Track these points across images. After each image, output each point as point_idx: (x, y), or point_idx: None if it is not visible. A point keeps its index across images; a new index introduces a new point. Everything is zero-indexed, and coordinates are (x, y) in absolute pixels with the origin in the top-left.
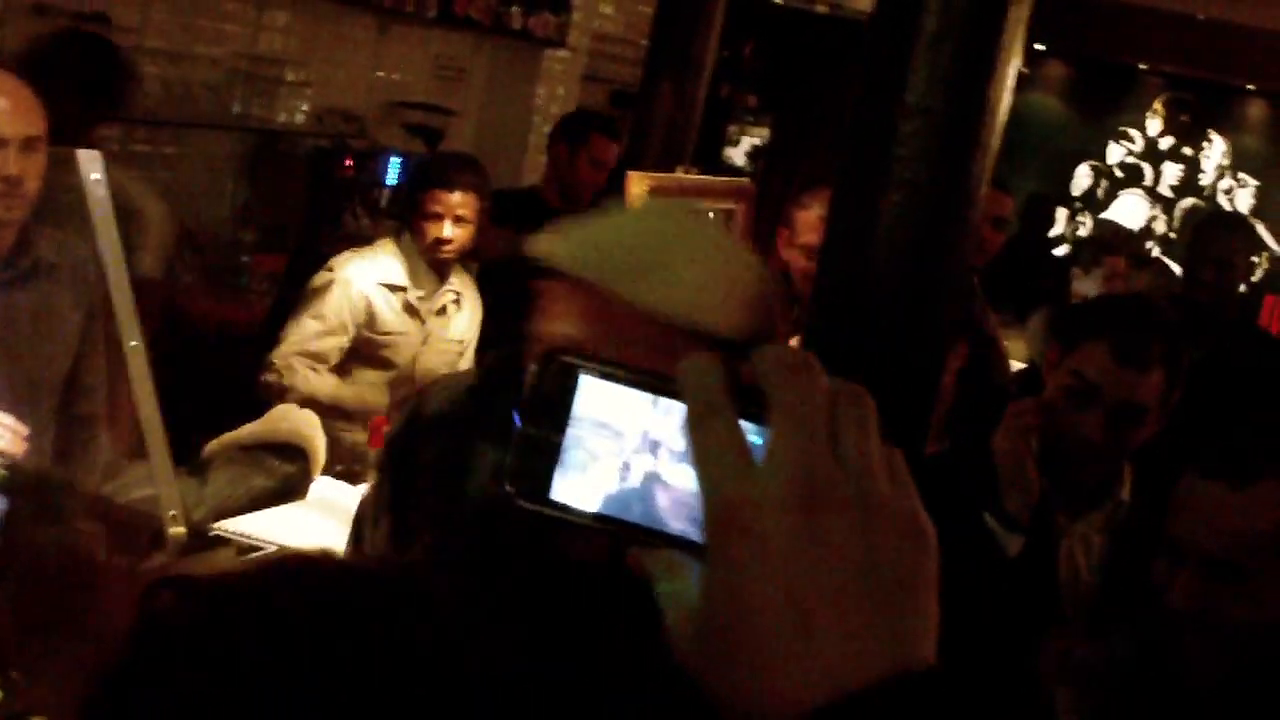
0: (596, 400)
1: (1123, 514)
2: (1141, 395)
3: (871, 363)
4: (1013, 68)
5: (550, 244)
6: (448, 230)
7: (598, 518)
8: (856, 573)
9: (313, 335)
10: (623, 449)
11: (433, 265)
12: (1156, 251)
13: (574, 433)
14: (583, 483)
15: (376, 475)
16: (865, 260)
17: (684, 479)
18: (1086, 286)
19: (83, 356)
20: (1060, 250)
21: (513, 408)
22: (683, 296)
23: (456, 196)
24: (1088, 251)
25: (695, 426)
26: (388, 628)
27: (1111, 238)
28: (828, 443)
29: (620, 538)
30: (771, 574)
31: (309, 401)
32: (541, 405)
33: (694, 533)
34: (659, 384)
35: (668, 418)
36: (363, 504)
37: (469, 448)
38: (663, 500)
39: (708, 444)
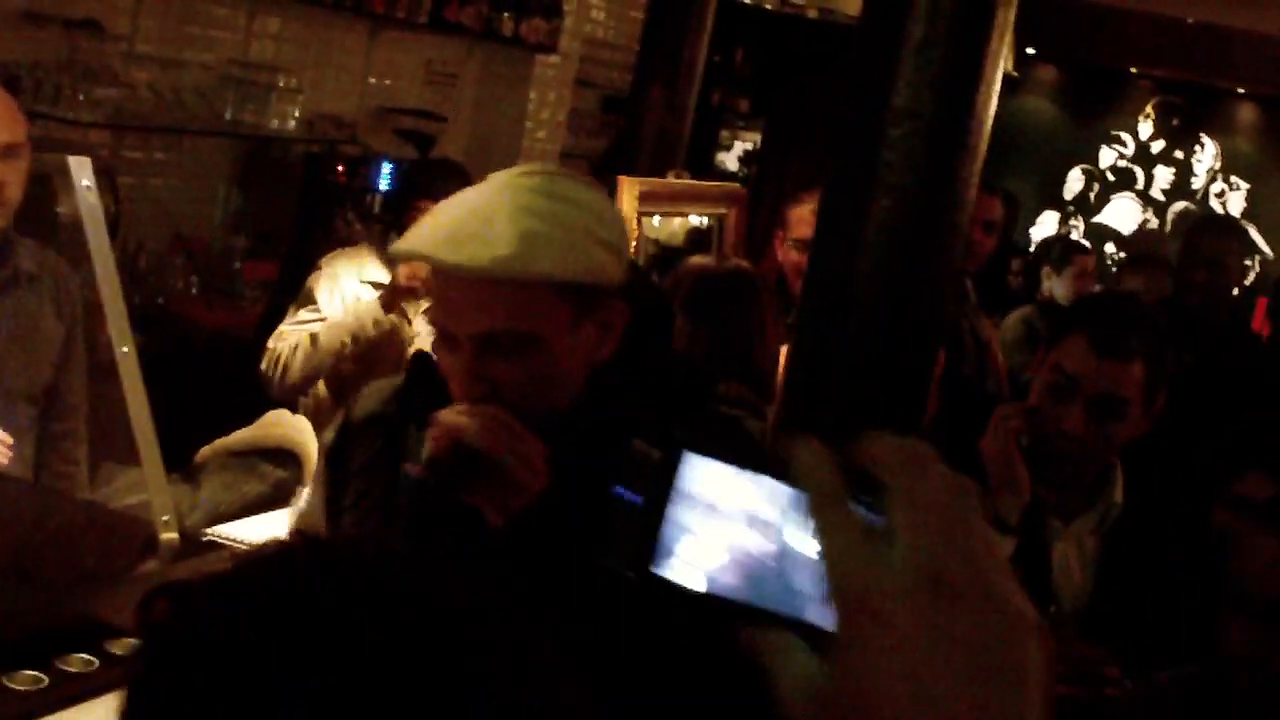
0: (701, 477)
1: (1115, 515)
2: (1123, 388)
3: (860, 366)
4: (999, 72)
5: (403, 241)
6: None
7: (706, 596)
8: (975, 658)
9: (306, 319)
10: (726, 527)
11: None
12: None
13: (677, 509)
14: (687, 559)
15: (312, 485)
16: (854, 263)
17: (791, 560)
18: (1056, 286)
19: (64, 372)
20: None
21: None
22: (500, 252)
23: (432, 205)
24: (1058, 251)
25: (817, 514)
26: (377, 605)
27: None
28: (948, 532)
29: (728, 616)
30: (898, 657)
31: (310, 377)
32: (645, 480)
33: (808, 613)
34: (764, 464)
35: (772, 498)
36: (303, 516)
37: (399, 437)
38: (771, 580)
39: (832, 532)
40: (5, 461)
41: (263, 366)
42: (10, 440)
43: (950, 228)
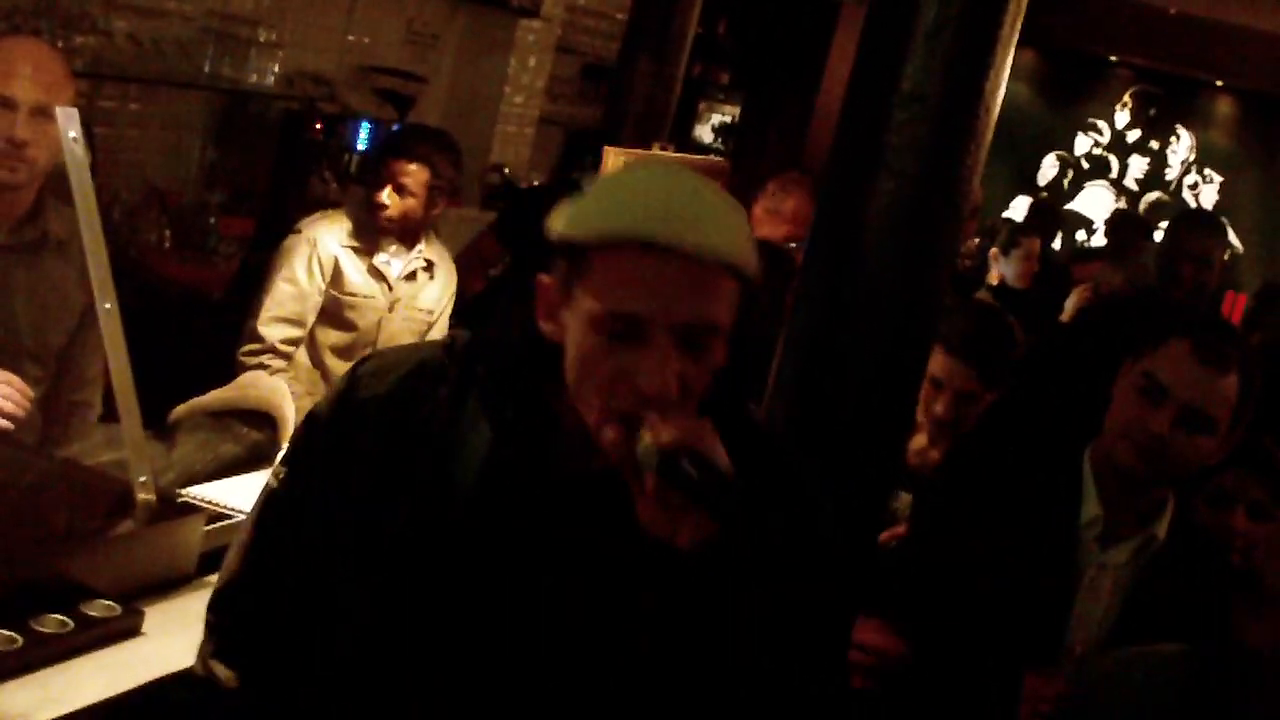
0: None
1: (1155, 549)
2: (1215, 403)
3: (858, 352)
4: (1009, 59)
5: (582, 220)
6: (385, 196)
7: None
8: None
9: (288, 298)
10: None
11: (386, 232)
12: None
13: None
14: None
15: (290, 464)
16: (855, 247)
17: None
18: (1005, 268)
19: (81, 343)
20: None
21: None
22: (727, 239)
23: (402, 165)
24: (1005, 233)
25: None
26: None
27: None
28: None
29: None
30: None
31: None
32: None
33: None
34: None
35: None
36: (274, 495)
37: (447, 435)
38: None
39: None
40: (21, 414)
41: (241, 357)
42: (30, 394)
43: (953, 213)
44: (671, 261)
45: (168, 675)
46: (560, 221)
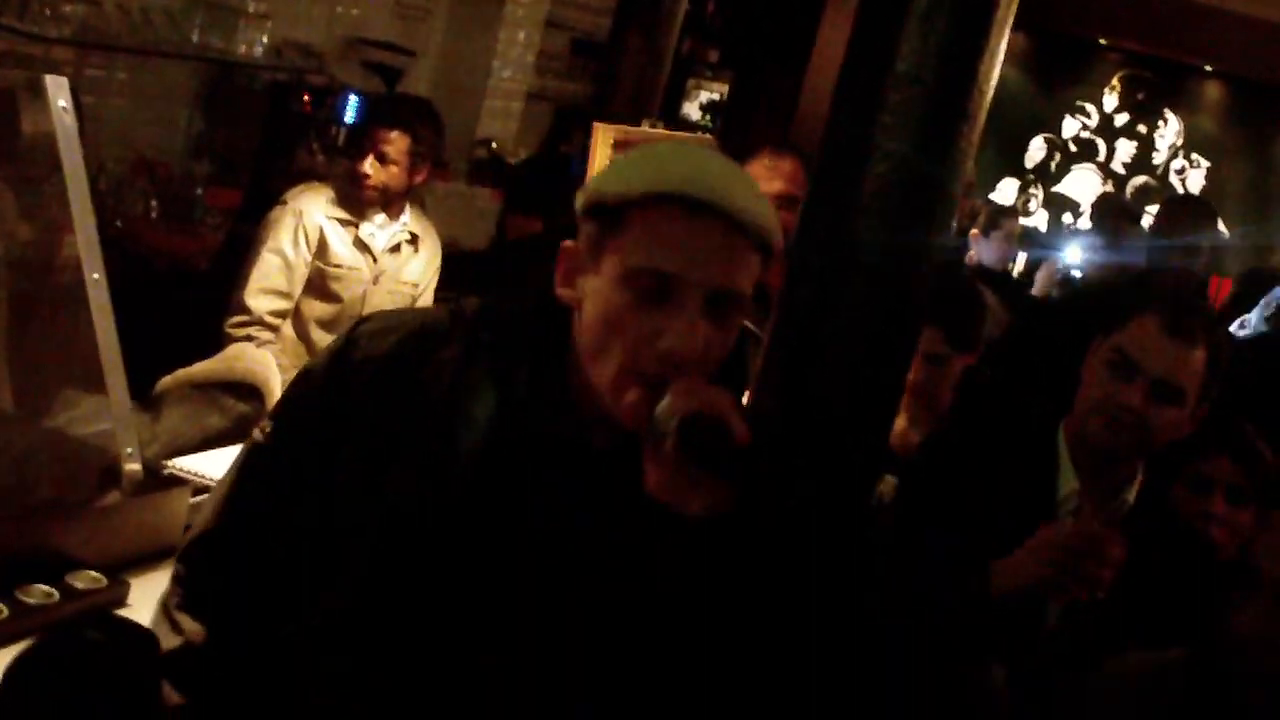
0: None
1: (1123, 513)
2: (1183, 374)
3: (849, 333)
4: (1004, 41)
5: (624, 179)
6: (367, 165)
7: None
8: None
9: (274, 270)
10: None
11: (368, 201)
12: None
13: None
14: None
15: (278, 419)
16: (847, 229)
17: None
18: (983, 250)
19: None
20: None
21: (504, 364)
22: (763, 209)
23: (384, 133)
24: (984, 215)
25: None
26: None
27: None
28: None
29: None
30: None
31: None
32: None
33: None
34: None
35: None
36: (259, 448)
37: (451, 400)
38: None
39: None
40: None
41: (229, 329)
42: None
43: (946, 195)
44: (711, 224)
45: (85, 617)
46: (596, 183)
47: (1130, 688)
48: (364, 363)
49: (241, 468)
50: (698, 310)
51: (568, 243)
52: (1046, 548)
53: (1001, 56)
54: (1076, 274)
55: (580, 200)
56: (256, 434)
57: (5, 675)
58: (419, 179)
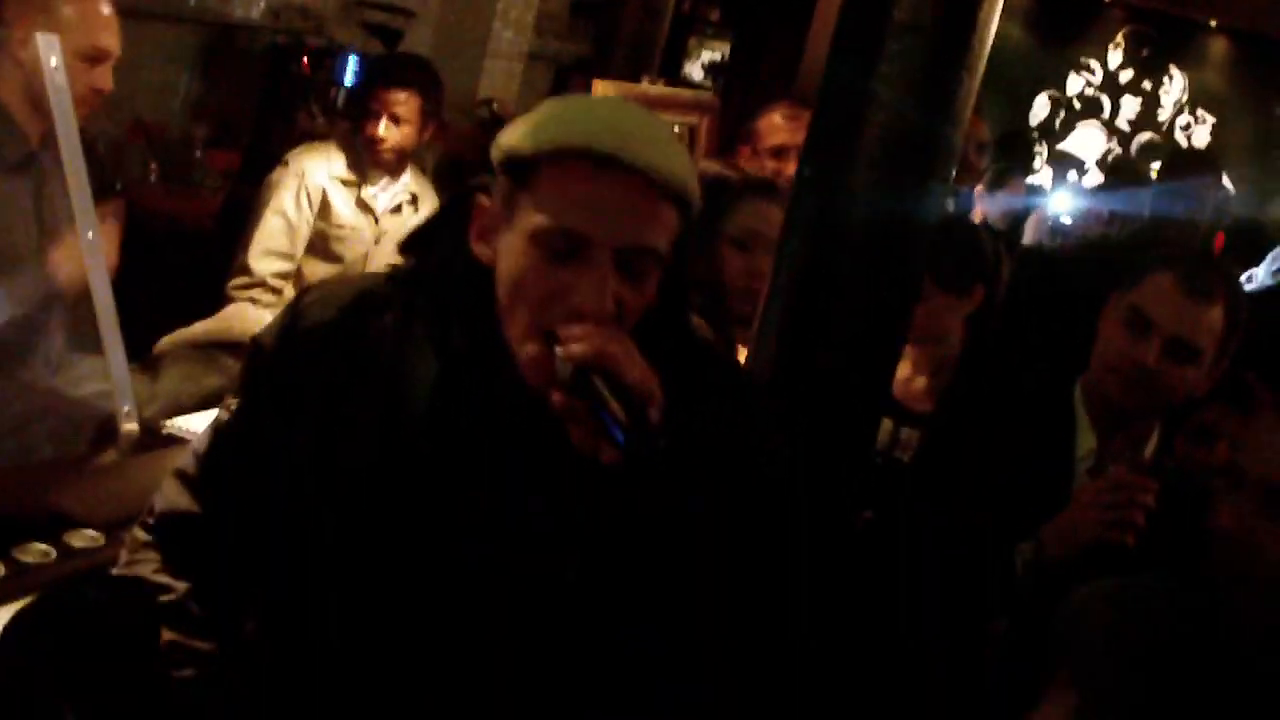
0: None
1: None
2: (1200, 333)
3: (846, 288)
4: None
5: (534, 134)
6: (382, 129)
7: None
8: None
9: (277, 231)
10: None
11: (383, 164)
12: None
13: None
14: None
15: (240, 396)
16: (846, 178)
17: None
18: (989, 206)
19: None
20: None
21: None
22: (678, 164)
23: (394, 94)
24: (991, 172)
25: None
26: None
27: None
28: None
29: None
30: None
31: None
32: None
33: None
34: None
35: None
36: (224, 425)
37: (393, 364)
38: None
39: None
40: None
41: (230, 290)
42: None
43: (945, 146)
44: (622, 181)
45: (81, 577)
46: (507, 137)
47: (1110, 605)
48: (309, 332)
49: (210, 445)
50: (608, 268)
51: (483, 199)
52: (1096, 505)
53: (1000, 4)
54: (1066, 221)
55: (494, 154)
56: (222, 412)
57: (4, 633)
58: (426, 135)
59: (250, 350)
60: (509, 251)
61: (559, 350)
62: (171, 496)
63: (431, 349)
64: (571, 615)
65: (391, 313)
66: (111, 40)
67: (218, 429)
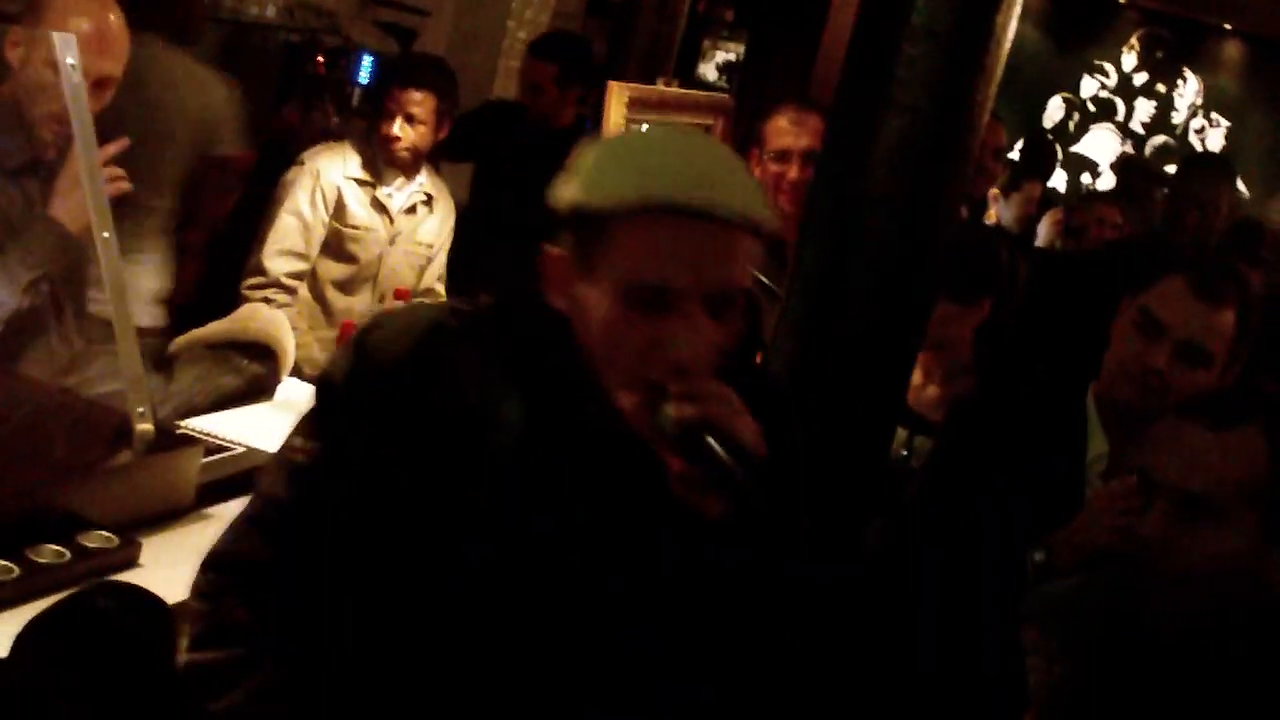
0: None
1: None
2: (1212, 337)
3: (865, 289)
4: None
5: (600, 188)
6: (397, 128)
7: None
8: None
9: (292, 231)
10: None
11: (399, 164)
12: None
13: None
14: None
15: (316, 437)
16: (863, 183)
17: None
18: (1004, 211)
19: None
20: None
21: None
22: (750, 198)
23: (410, 94)
24: (1006, 176)
25: None
26: None
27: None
28: None
29: None
30: None
31: None
32: None
33: None
34: None
35: None
36: (303, 469)
37: (481, 399)
38: None
39: None
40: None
41: (245, 290)
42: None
43: (961, 151)
44: (699, 228)
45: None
46: (572, 190)
47: (1058, 607)
48: (381, 373)
49: (289, 492)
50: (700, 315)
51: (551, 250)
52: (1108, 511)
53: (1018, 9)
54: (1079, 223)
55: (560, 206)
56: (295, 456)
57: (16, 641)
58: (441, 134)
59: (319, 392)
60: (595, 306)
61: (669, 409)
62: (249, 547)
63: (516, 386)
64: (656, 652)
65: (467, 349)
66: (117, 68)
67: (295, 474)
